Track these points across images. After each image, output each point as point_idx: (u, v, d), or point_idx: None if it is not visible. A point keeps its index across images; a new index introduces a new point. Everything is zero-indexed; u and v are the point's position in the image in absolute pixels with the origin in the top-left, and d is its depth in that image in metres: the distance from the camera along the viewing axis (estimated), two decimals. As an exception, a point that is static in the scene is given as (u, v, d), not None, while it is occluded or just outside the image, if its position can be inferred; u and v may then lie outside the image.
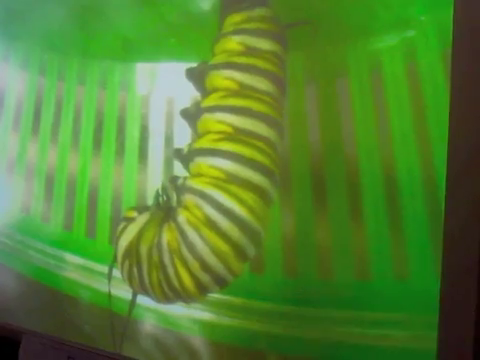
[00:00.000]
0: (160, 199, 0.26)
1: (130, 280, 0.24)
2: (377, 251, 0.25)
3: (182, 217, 0.23)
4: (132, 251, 0.24)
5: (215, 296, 0.25)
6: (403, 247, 0.24)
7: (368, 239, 0.25)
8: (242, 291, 0.27)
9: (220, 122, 0.23)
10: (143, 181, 0.32)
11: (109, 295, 0.26)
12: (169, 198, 0.25)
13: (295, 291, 0.27)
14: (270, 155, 0.23)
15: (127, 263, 0.24)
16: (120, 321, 0.27)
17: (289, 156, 0.27)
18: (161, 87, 0.32)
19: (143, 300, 0.25)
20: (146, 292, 0.24)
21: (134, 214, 0.25)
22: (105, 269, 0.27)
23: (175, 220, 0.23)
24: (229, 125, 0.23)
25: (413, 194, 0.24)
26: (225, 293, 0.27)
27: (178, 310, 0.28)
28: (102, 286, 0.30)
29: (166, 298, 0.23)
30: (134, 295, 0.25)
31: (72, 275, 0.33)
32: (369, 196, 0.25)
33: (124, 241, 0.24)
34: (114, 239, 0.25)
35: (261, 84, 0.23)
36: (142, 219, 0.25)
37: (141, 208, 0.26)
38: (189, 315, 0.29)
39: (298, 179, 0.27)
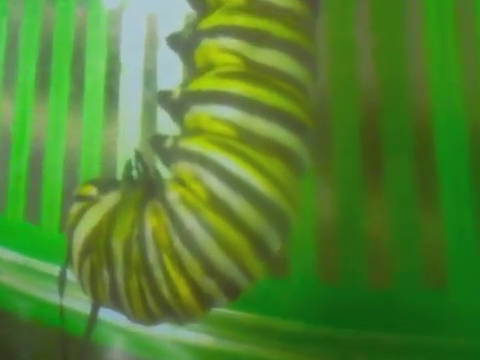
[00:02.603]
0: (135, 169, 0.25)
1: (93, 287, 0.23)
2: (456, 248, 0.25)
3: (174, 195, 0.21)
4: (98, 245, 0.23)
5: (219, 311, 0.24)
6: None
7: (444, 230, 0.25)
8: (258, 304, 0.27)
9: (226, 51, 0.22)
10: (110, 140, 0.31)
11: (60, 309, 0.25)
12: (147, 168, 0.24)
13: (335, 305, 0.27)
14: (300, 101, 0.21)
15: (88, 263, 0.23)
16: (76, 346, 0.25)
17: (328, 104, 0.27)
18: (139, -1, 0.32)
19: (111, 316, 0.24)
20: (118, 305, 0.22)
21: (92, 191, 0.25)
22: (54, 270, 0.27)
23: (163, 200, 0.21)
24: (239, 55, 0.22)
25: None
26: (234, 307, 0.27)
27: (163, 331, 0.28)
28: (50, 295, 0.30)
29: (149, 315, 0.22)
30: (95, 308, 0.24)
31: (5, 279, 0.33)
32: (447, 167, 0.25)
33: (82, 231, 0.23)
34: (66, 227, 0.24)
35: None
36: (110, 199, 0.24)
37: (104, 182, 0.25)
38: (179, 339, 0.28)
39: (342, 138, 0.27)
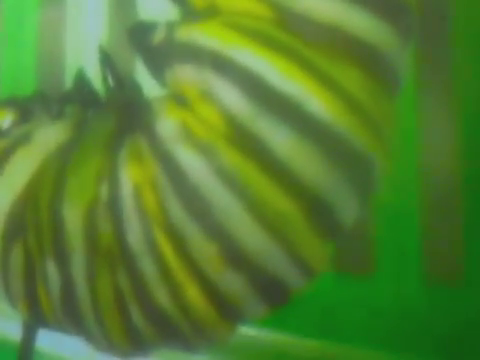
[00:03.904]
0: (102, 80, 0.25)
1: (29, 293, 0.23)
2: None
3: (171, 125, 0.21)
4: (37, 219, 0.23)
5: (250, 332, 0.25)
6: None
7: None
8: (317, 320, 0.28)
9: None
10: (54, 29, 0.34)
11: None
12: (120, 78, 0.25)
13: (455, 324, 0.27)
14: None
15: (19, 250, 0.23)
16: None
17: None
18: None
19: (59, 344, 0.25)
20: (75, 323, 0.22)
21: (11, 118, 0.26)
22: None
23: (152, 134, 0.21)
24: None
25: None
26: (275, 324, 0.27)
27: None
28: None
29: (132, 337, 0.22)
30: (30, 331, 0.25)
31: None
32: None
33: (5, 195, 0.24)
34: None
35: None
36: (50, 134, 0.24)
37: (31, 102, 0.26)
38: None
39: (474, 33, 0.27)
